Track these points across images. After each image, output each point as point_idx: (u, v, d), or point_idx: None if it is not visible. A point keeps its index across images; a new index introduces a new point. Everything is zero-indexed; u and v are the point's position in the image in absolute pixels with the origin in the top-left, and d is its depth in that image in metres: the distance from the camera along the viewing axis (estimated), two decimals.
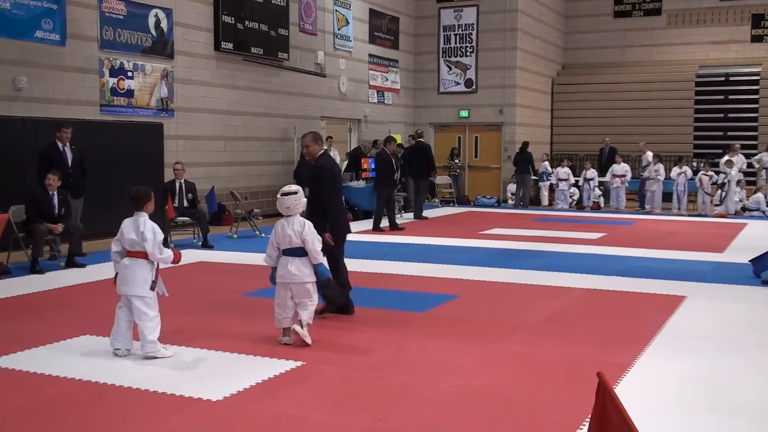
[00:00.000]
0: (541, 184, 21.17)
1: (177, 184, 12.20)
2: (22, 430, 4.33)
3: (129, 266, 5.77)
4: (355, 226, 14.87)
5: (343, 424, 4.42)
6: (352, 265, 9.69)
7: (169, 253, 5.88)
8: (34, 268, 9.50)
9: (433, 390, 5.03)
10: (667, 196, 18.86)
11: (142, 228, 5.76)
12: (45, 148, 10.58)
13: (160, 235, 5.91)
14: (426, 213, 16.95)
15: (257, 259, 10.75)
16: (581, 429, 4.25)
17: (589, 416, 2.53)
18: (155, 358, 5.66)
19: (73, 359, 5.69)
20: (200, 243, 11.95)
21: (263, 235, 13.42)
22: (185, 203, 12.21)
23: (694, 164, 21.10)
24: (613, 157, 20.08)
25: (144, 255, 5.78)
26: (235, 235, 13.20)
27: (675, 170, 18.57)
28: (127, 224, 5.87)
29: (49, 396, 4.91)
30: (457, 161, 21.82)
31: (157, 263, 5.84)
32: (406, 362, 5.67)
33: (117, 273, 5.89)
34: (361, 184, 16.93)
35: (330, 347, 6.09)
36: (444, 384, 5.16)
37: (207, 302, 7.67)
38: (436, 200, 20.68)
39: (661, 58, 25.10)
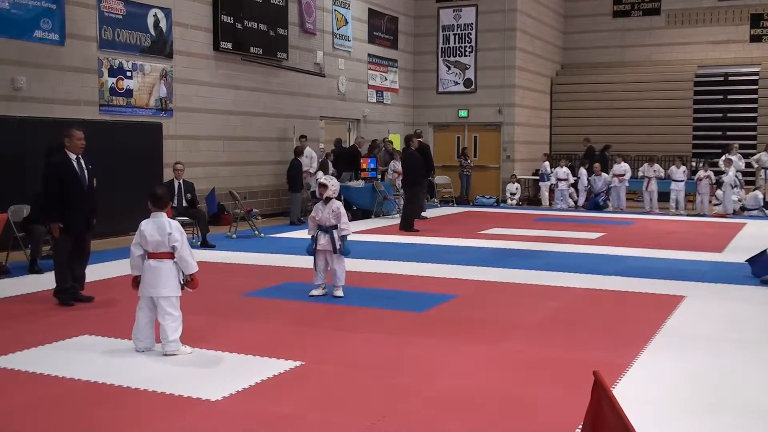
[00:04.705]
0: (541, 184, 21.19)
1: (176, 184, 12.20)
2: (22, 430, 4.33)
3: (156, 268, 5.79)
4: (352, 226, 14.88)
5: (343, 424, 4.42)
6: (351, 264, 9.72)
7: (195, 263, 5.91)
8: (33, 268, 9.51)
9: (432, 390, 5.03)
10: (663, 196, 18.90)
11: (168, 229, 5.81)
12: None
13: (185, 235, 5.99)
14: (425, 213, 16.93)
15: (257, 258, 10.80)
16: (580, 429, 4.25)
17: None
18: (175, 355, 5.72)
19: (73, 359, 5.69)
20: (199, 243, 11.95)
21: (262, 235, 13.43)
22: (184, 203, 12.22)
23: (693, 164, 21.14)
24: (591, 157, 20.39)
25: (170, 256, 5.81)
26: (235, 235, 13.19)
27: (678, 171, 18.60)
28: (148, 226, 5.87)
29: (48, 396, 4.91)
30: (469, 161, 21.77)
31: None
32: (405, 362, 5.67)
33: (135, 276, 5.91)
34: (360, 183, 16.93)
35: (329, 347, 6.10)
36: (443, 384, 5.16)
37: (206, 302, 7.67)
38: (435, 200, 20.69)
39: (660, 58, 25.12)
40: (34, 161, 10.50)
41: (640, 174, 19.41)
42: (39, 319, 7.05)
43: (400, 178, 17.89)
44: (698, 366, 5.59)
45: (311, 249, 7.96)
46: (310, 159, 16.59)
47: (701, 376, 5.35)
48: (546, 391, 5.02)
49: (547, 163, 21.23)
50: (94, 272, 8.67)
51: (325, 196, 7.91)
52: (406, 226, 14.33)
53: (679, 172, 18.53)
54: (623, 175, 19.36)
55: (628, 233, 14.34)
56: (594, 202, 19.57)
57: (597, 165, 19.97)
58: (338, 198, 8.54)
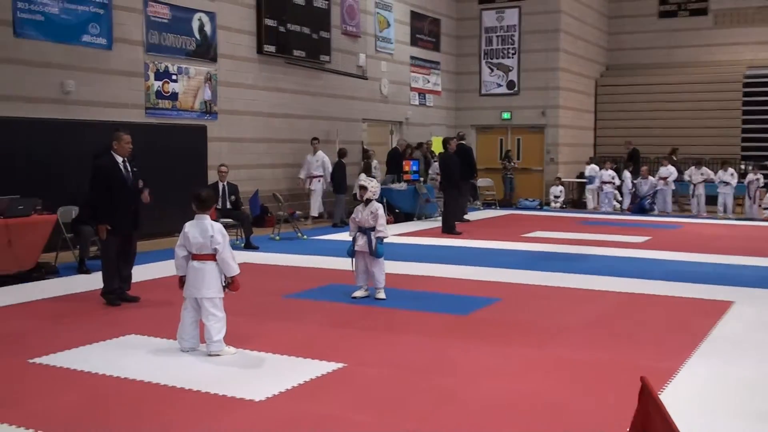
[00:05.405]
0: (588, 186, 20.93)
1: (220, 186, 12.33)
2: (71, 427, 4.40)
3: (199, 269, 5.88)
4: (395, 228, 14.91)
5: (385, 426, 4.42)
6: (393, 267, 9.73)
7: (237, 266, 5.96)
8: (82, 268, 9.69)
9: (475, 394, 5.00)
10: (711, 200, 18.55)
11: (210, 232, 5.90)
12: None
13: (228, 238, 6.03)
14: (468, 216, 16.88)
15: (299, 260, 10.86)
16: None
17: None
18: (219, 356, 5.79)
19: (120, 358, 5.78)
20: (243, 244, 12.06)
21: (305, 237, 13.49)
22: (228, 205, 12.34)
23: (742, 167, 20.70)
24: (636, 160, 20.11)
25: (213, 257, 5.88)
26: (278, 237, 13.28)
27: (726, 174, 18.24)
28: (191, 228, 5.96)
29: (96, 394, 4.98)
30: (513, 164, 21.59)
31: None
32: (448, 365, 5.65)
33: (181, 276, 6.01)
34: (403, 186, 16.92)
35: (372, 349, 6.10)
36: (487, 387, 5.12)
37: (249, 303, 7.73)
38: (478, 203, 20.59)
39: (708, 59, 24.66)
40: (82, 163, 10.70)
41: (687, 177, 19.10)
42: (87, 318, 7.17)
43: None
44: (747, 373, 5.47)
45: (351, 250, 8.02)
46: (321, 163, 16.04)
47: (750, 383, 5.23)
48: (590, 396, 4.95)
49: (595, 165, 20.93)
50: (140, 273, 8.80)
51: (365, 197, 7.96)
52: (448, 229, 14.29)
53: (727, 174, 18.18)
54: (668, 177, 19.06)
55: (675, 237, 14.10)
56: (640, 206, 19.29)
57: (644, 168, 19.68)
58: (380, 200, 8.61)
